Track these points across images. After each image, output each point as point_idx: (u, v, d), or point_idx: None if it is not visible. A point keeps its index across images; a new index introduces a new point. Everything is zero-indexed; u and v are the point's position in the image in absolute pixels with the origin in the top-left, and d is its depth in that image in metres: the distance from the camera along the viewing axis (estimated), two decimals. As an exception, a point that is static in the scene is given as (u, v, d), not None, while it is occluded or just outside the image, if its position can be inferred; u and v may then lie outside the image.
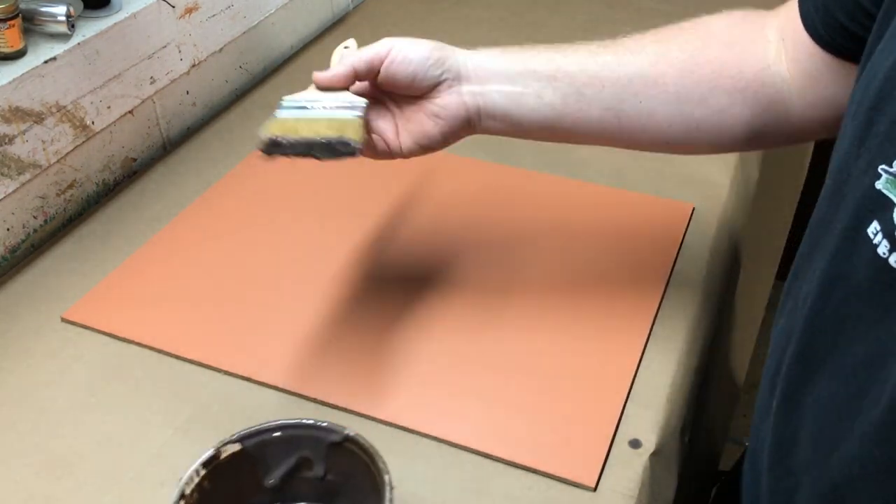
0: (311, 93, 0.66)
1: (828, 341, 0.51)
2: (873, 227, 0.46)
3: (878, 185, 0.45)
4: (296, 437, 0.55)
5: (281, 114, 0.64)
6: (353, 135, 0.61)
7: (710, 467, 0.89)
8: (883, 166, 0.45)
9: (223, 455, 0.53)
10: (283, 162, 0.96)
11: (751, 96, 0.64)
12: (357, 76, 0.65)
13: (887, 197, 0.45)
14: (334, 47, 0.71)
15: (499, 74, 0.66)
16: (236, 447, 0.54)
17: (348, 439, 0.53)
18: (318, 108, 0.64)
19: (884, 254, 0.45)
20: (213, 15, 1.02)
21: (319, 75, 0.66)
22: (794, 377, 0.54)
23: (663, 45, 0.66)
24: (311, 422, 0.55)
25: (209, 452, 0.53)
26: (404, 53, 0.64)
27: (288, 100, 0.65)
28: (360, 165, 0.99)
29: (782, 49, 0.64)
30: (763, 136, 0.66)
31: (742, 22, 0.66)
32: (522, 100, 0.65)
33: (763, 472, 0.60)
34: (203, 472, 0.52)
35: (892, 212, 0.44)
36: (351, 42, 0.72)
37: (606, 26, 1.05)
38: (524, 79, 0.65)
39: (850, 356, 0.49)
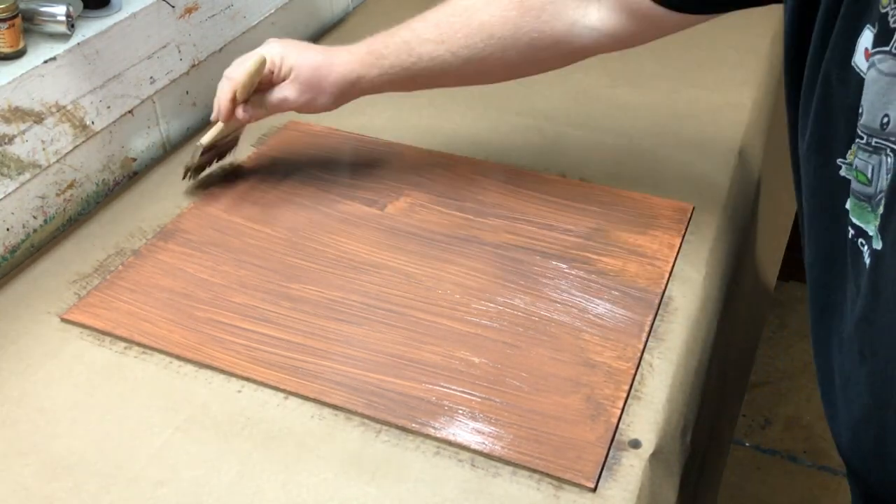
0: None
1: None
2: (849, 203, 0.60)
3: (842, 173, 0.60)
4: None
5: None
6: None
7: (713, 469, 0.89)
8: (839, 160, 0.60)
9: None
10: (282, 163, 0.96)
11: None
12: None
13: (848, 180, 0.60)
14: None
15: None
16: None
17: None
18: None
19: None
20: (213, 15, 1.02)
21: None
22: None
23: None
24: None
25: None
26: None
27: None
28: (365, 164, 0.99)
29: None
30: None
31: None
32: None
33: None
34: None
35: (850, 190, 0.59)
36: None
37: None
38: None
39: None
